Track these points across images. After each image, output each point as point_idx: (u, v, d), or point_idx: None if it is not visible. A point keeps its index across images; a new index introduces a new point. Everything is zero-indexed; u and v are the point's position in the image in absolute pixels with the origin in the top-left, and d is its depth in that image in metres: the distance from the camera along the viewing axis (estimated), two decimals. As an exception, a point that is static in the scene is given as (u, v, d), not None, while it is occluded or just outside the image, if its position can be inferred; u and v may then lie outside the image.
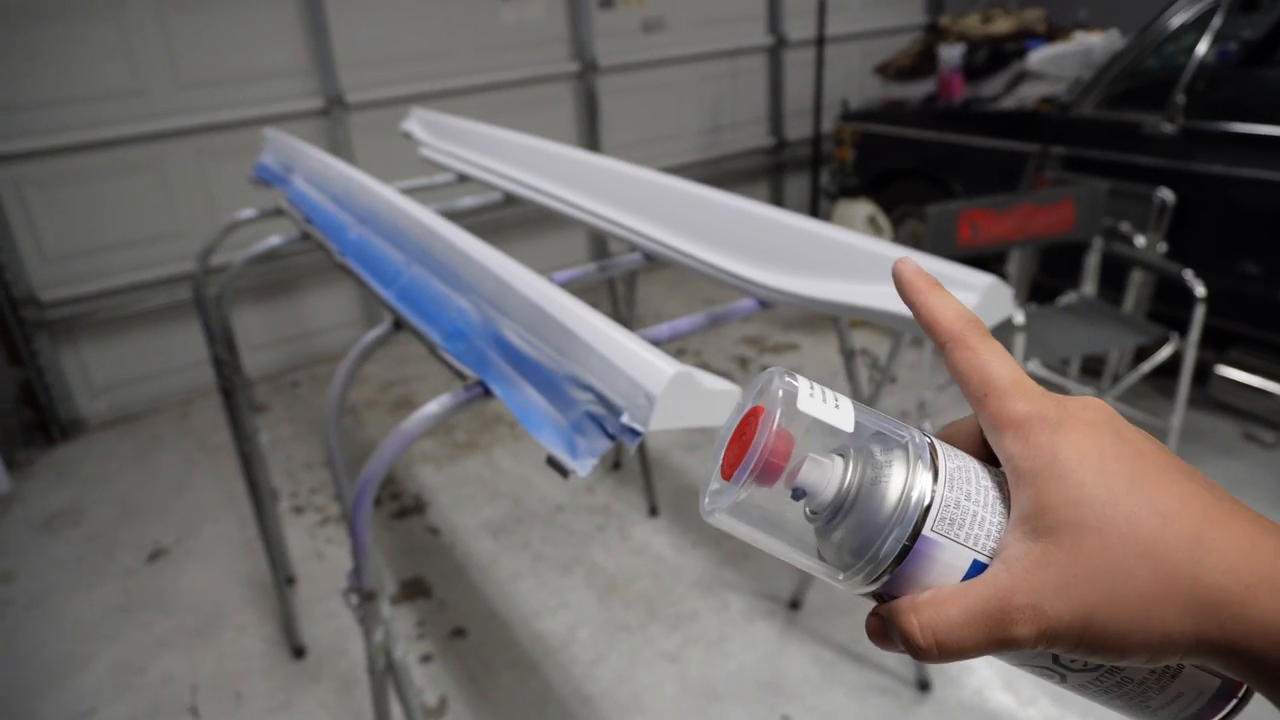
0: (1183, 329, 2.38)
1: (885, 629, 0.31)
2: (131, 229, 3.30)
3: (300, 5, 3.39)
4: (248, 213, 1.85)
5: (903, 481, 0.30)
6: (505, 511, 2.62)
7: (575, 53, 4.12)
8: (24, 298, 3.11)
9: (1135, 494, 0.28)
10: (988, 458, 0.33)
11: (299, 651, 2.11)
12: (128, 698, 2.02)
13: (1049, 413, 0.30)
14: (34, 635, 2.25)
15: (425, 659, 2.07)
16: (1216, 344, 2.71)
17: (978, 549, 0.30)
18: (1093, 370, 2.95)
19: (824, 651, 2.00)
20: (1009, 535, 0.30)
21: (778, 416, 0.31)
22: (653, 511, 2.56)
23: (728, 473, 0.31)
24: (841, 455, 0.32)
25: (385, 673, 1.18)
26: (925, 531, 0.30)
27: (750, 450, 0.30)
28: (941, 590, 0.30)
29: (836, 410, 0.32)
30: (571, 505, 2.63)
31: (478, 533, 2.53)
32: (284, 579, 2.17)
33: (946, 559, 0.30)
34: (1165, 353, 2.44)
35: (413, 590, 2.31)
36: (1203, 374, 2.68)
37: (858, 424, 0.32)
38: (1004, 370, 0.31)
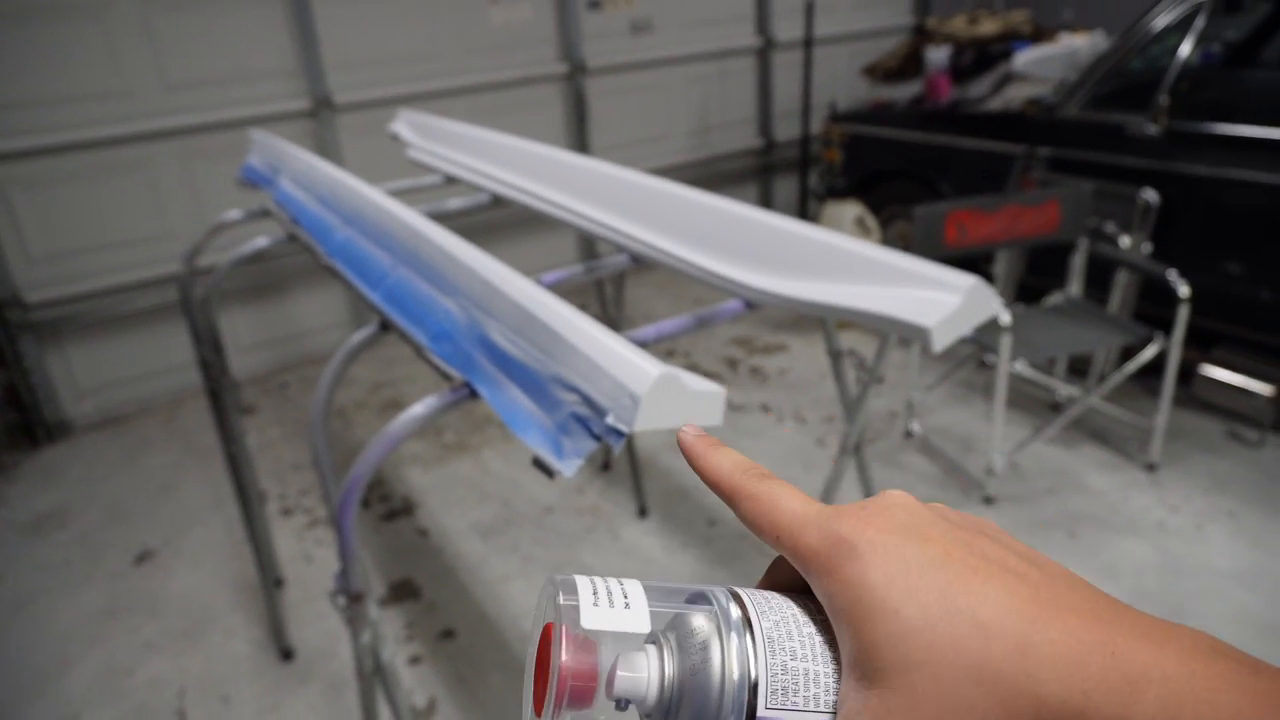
0: (1167, 329, 2.41)
1: None
2: (118, 230, 3.28)
3: (287, 6, 3.38)
4: (234, 214, 1.84)
5: (719, 661, 0.28)
6: (494, 513, 2.62)
7: (563, 54, 4.12)
8: (8, 299, 3.09)
9: (950, 610, 0.25)
10: (809, 589, 0.31)
11: (287, 654, 2.11)
12: (114, 702, 2.01)
13: (845, 534, 0.28)
14: (19, 639, 2.23)
15: (414, 660, 2.07)
16: (1201, 344, 2.73)
17: (820, 709, 0.28)
18: (1079, 370, 2.97)
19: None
20: (845, 686, 0.27)
21: (565, 634, 0.28)
22: (642, 512, 2.56)
23: (538, 708, 0.28)
24: (654, 643, 0.29)
25: (373, 675, 1.18)
26: (760, 712, 0.28)
27: (550, 679, 0.28)
28: None
29: (627, 611, 0.29)
30: (561, 506, 2.63)
31: (467, 534, 2.53)
32: (272, 581, 2.16)
33: None
34: (1150, 352, 2.46)
35: (402, 592, 2.31)
36: (1187, 373, 2.70)
37: (654, 614, 0.30)
38: (789, 505, 0.30)
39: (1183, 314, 2.35)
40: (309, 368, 3.75)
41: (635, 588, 0.30)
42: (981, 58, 3.72)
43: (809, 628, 0.29)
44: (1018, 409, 2.92)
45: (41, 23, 2.95)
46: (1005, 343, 2.28)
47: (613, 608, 0.29)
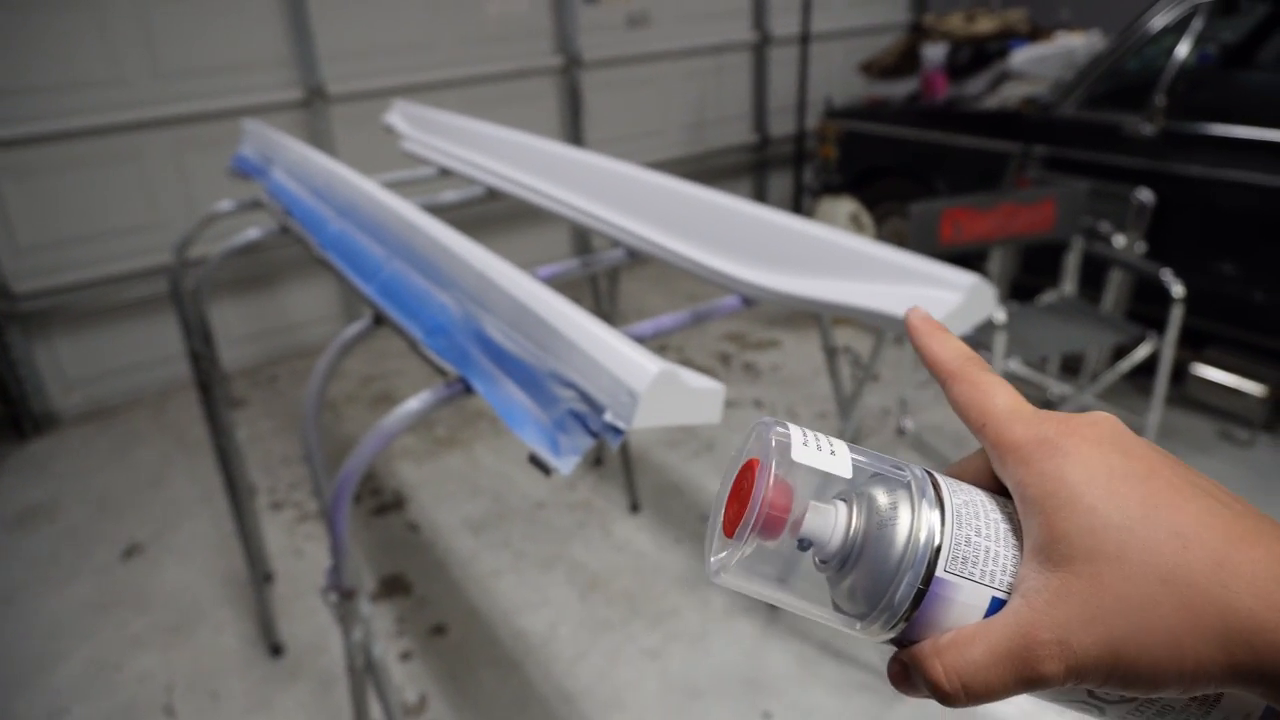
0: (1161, 328, 2.41)
1: (909, 675, 0.30)
2: (108, 220, 3.25)
3: (281, -5, 3.35)
4: (226, 205, 1.82)
5: (909, 523, 0.30)
6: (486, 508, 2.61)
7: (559, 47, 4.10)
8: (-4, 289, 3.06)
9: (1150, 516, 0.27)
10: (999, 491, 0.33)
11: (277, 649, 2.09)
12: (102, 696, 1.99)
13: (1050, 435, 0.29)
14: (6, 633, 2.21)
15: (405, 656, 2.06)
16: (1193, 343, 2.74)
17: (995, 585, 0.29)
18: (1072, 369, 2.97)
19: (805, 648, 2.00)
20: (1025, 568, 0.29)
21: (773, 467, 0.30)
22: (634, 508, 2.55)
23: (729, 530, 0.30)
24: (844, 500, 0.31)
25: (364, 671, 1.17)
26: (938, 573, 0.29)
27: (750, 505, 0.30)
28: (963, 631, 0.29)
29: (833, 456, 0.31)
30: (552, 502, 2.62)
31: (458, 529, 2.52)
32: (262, 576, 2.15)
33: (964, 599, 0.29)
34: (1143, 352, 2.46)
35: (392, 587, 2.30)
36: (1180, 373, 2.71)
37: (856, 468, 0.31)
38: (1001, 399, 0.31)
39: (1176, 314, 2.35)
40: (300, 360, 3.73)
41: (840, 443, 0.32)
42: (978, 56, 3.72)
43: (995, 514, 0.31)
44: (1011, 407, 2.92)
45: (33, 9, 2.91)
46: (999, 340, 2.27)
47: (820, 451, 0.31)
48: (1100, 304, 2.75)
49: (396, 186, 1.68)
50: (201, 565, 2.42)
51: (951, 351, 0.34)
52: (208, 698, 1.98)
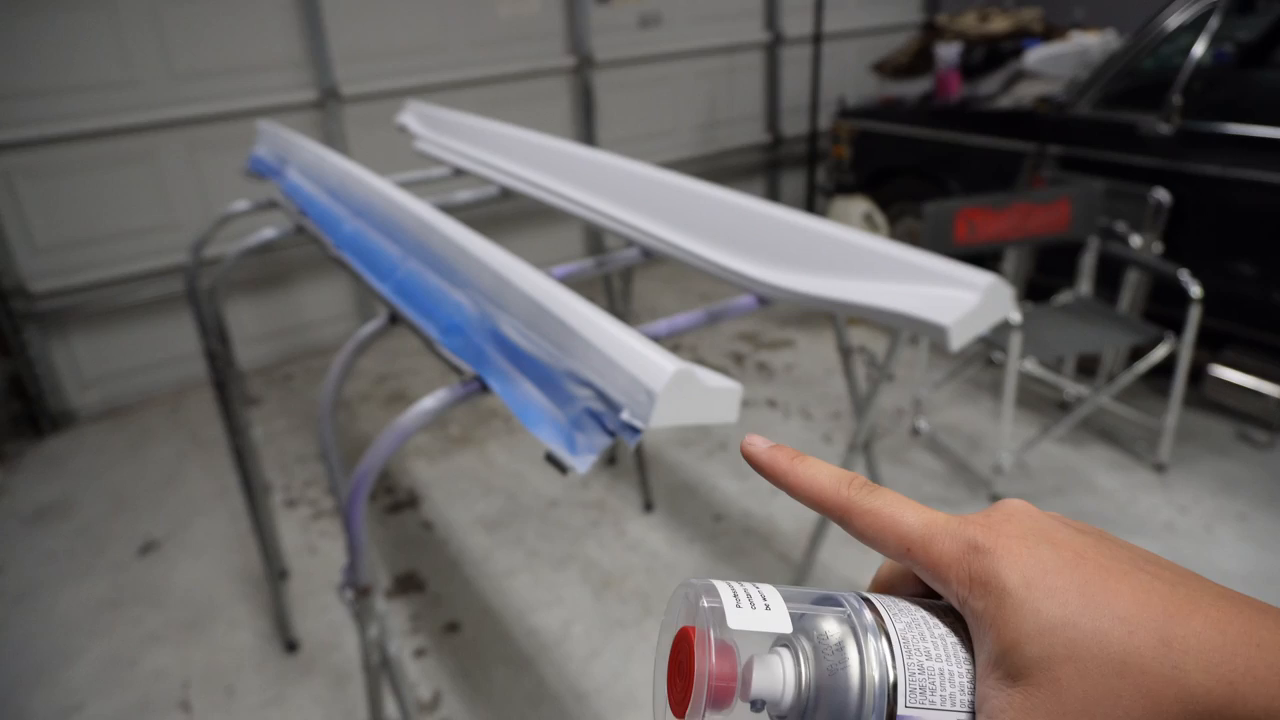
0: (1178, 329, 2.39)
1: None
2: (124, 220, 3.28)
3: (295, -4, 3.37)
4: (241, 205, 1.83)
5: (858, 663, 0.29)
6: (499, 506, 2.61)
7: (571, 47, 4.10)
8: (13, 289, 3.09)
9: (1090, 606, 0.26)
10: (926, 592, 0.32)
11: (291, 646, 2.10)
12: (118, 692, 2.01)
13: (977, 539, 0.28)
14: (22, 629, 2.23)
15: (419, 653, 2.07)
16: (1211, 344, 2.71)
17: (956, 708, 0.29)
18: (1088, 370, 2.95)
19: (818, 649, 1.99)
20: (984, 685, 0.28)
21: (711, 636, 0.28)
22: (648, 507, 2.55)
23: (679, 711, 0.29)
24: (787, 647, 0.30)
25: (380, 668, 1.17)
26: (900, 711, 0.28)
27: (696, 682, 0.28)
28: None
29: (769, 612, 0.30)
30: (566, 500, 2.62)
31: (472, 528, 2.52)
32: (277, 573, 2.16)
33: None
34: (1160, 353, 2.44)
35: (406, 585, 2.31)
36: (1197, 374, 2.68)
37: (792, 616, 0.30)
38: (911, 519, 0.30)
39: (1194, 314, 2.33)
40: (314, 359, 3.74)
41: (770, 590, 0.31)
42: (992, 55, 3.70)
43: (939, 629, 0.30)
44: (1026, 407, 2.91)
45: (49, 11, 2.94)
46: (1015, 341, 2.26)
47: (754, 609, 0.30)
48: (1117, 304, 2.73)
49: (410, 186, 1.69)
50: (217, 562, 2.44)
51: (829, 482, 0.32)
52: (223, 693, 1.99)
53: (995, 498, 2.44)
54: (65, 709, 1.96)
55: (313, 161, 1.67)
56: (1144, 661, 0.25)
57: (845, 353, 1.78)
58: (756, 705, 0.29)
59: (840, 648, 0.29)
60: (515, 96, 4.00)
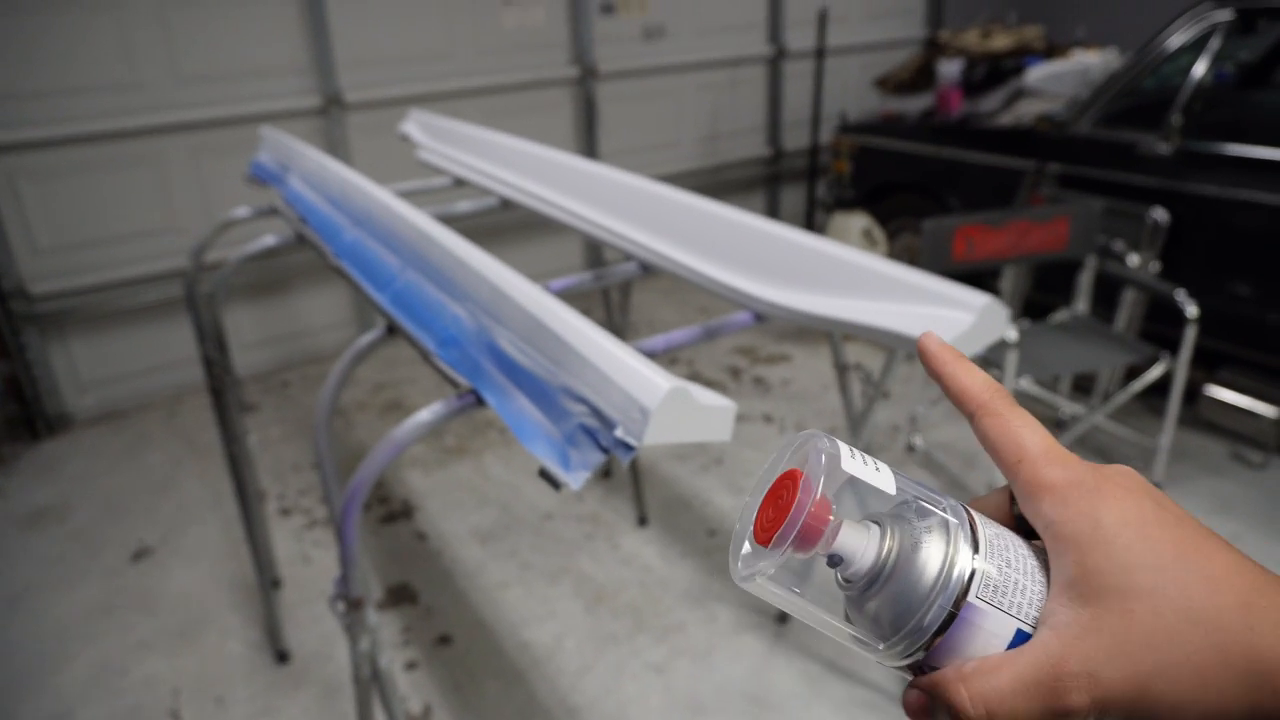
0: (1174, 349, 2.39)
1: (927, 703, 0.30)
2: (125, 224, 3.28)
3: (301, 2, 3.38)
4: (242, 211, 1.83)
5: (944, 548, 0.30)
6: (494, 518, 2.61)
7: (575, 58, 4.12)
8: (13, 290, 3.08)
9: (1182, 560, 0.28)
10: (1016, 531, 0.33)
11: (283, 656, 2.09)
12: (107, 700, 2.00)
13: (1086, 478, 0.30)
14: (12, 634, 2.22)
15: (410, 666, 2.06)
16: (1207, 364, 2.72)
17: (1021, 617, 0.30)
18: (1083, 388, 2.96)
19: (811, 666, 1.99)
20: (1054, 602, 0.29)
21: (822, 479, 0.30)
22: (642, 521, 2.55)
23: (763, 537, 0.31)
24: (876, 522, 0.31)
25: (370, 681, 1.16)
26: (970, 598, 0.29)
27: (792, 514, 0.30)
28: (989, 659, 0.29)
29: (878, 473, 0.32)
30: (560, 513, 2.61)
31: (466, 539, 2.51)
32: (269, 582, 2.15)
33: (990, 627, 0.29)
34: (1156, 372, 2.44)
35: (399, 596, 2.30)
36: (1192, 394, 2.69)
37: (899, 486, 0.32)
38: (1036, 438, 0.32)
39: (1190, 334, 2.34)
40: (311, 366, 3.74)
41: (883, 464, 0.33)
42: (993, 72, 3.72)
43: (1023, 550, 0.32)
44: (1022, 426, 2.90)
45: (53, 12, 2.95)
46: (1011, 359, 2.26)
47: (866, 466, 0.32)
48: (1113, 323, 2.73)
49: (411, 196, 1.69)
50: (209, 570, 2.43)
51: (978, 383, 0.34)
52: (213, 703, 1.98)
53: (991, 515, 2.43)
54: (54, 715, 1.95)
55: (314, 169, 1.67)
56: (1221, 618, 0.27)
57: (841, 369, 1.78)
58: (833, 560, 0.31)
59: (929, 530, 0.31)
60: (518, 106, 4.02)
